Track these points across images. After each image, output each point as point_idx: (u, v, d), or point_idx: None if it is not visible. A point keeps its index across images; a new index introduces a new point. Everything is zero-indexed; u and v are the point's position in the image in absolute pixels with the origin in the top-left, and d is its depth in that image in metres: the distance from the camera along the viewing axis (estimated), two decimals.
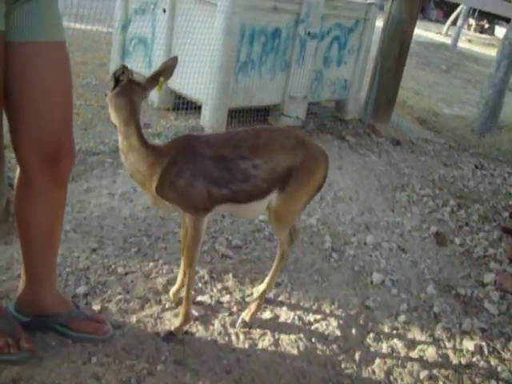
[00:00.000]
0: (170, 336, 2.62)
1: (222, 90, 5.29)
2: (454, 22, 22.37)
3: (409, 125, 7.77)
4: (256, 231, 3.79)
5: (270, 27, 5.49)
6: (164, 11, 5.64)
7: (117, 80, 2.33)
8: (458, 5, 23.11)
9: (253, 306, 2.89)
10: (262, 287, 2.98)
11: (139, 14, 6.11)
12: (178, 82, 5.52)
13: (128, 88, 2.34)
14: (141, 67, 6.14)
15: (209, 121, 5.36)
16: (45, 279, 2.45)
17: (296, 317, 3.01)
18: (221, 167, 2.47)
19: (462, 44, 22.97)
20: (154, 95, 5.89)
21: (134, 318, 2.72)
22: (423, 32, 21.99)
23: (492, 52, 20.59)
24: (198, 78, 5.34)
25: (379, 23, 6.79)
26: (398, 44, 6.69)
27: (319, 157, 2.71)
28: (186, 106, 5.68)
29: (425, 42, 19.28)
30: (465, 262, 4.13)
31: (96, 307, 2.73)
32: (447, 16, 27.50)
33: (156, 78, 2.43)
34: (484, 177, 6.23)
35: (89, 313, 2.59)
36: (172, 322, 2.74)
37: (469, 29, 31.57)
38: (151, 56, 5.98)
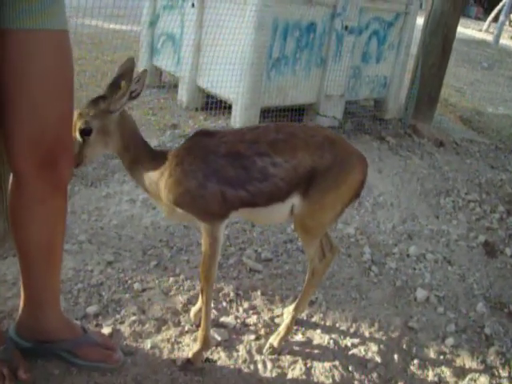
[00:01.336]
0: (188, 364, 2.33)
1: (254, 88, 4.98)
2: (495, 19, 21.69)
3: (452, 124, 7.34)
4: (288, 242, 3.47)
5: (305, 21, 5.16)
6: (193, 5, 5.36)
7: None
8: (499, 1, 22.45)
9: (282, 329, 2.57)
10: (292, 307, 2.66)
11: (167, 10, 5.87)
12: (208, 80, 5.25)
13: (98, 111, 2.12)
14: (170, 65, 5.90)
15: (239, 121, 5.07)
16: (46, 302, 2.18)
17: (331, 341, 2.69)
18: (236, 165, 2.17)
19: (504, 41, 22.21)
20: (182, 94, 5.63)
21: (148, 343, 2.43)
22: (463, 29, 21.27)
23: None
24: (228, 76, 5.04)
25: (420, 18, 6.40)
26: (440, 38, 6.27)
27: (353, 160, 2.33)
28: (215, 105, 5.38)
29: (465, 38, 18.63)
30: None
31: (107, 329, 2.45)
32: (487, 13, 26.76)
33: (116, 85, 2.13)
34: None
35: (98, 338, 2.31)
36: (191, 347, 2.44)
37: (510, 25, 30.62)
38: (180, 53, 5.71)
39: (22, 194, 1.97)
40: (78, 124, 2.09)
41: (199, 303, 2.60)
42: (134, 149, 2.24)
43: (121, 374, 2.23)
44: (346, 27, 5.46)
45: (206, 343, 2.37)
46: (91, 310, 2.57)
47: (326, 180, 2.23)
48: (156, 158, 2.25)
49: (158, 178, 2.20)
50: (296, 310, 2.60)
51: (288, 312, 2.69)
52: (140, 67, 6.34)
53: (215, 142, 2.21)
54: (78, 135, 2.11)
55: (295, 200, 2.27)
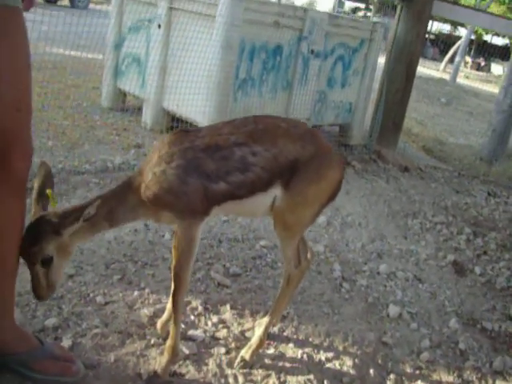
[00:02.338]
0: (154, 378, 2.17)
1: (220, 108, 4.92)
2: (451, 60, 22.44)
3: (415, 152, 7.40)
4: (257, 257, 3.36)
5: (272, 43, 5.15)
6: (159, 27, 5.31)
7: None
8: (454, 42, 23.27)
9: (254, 342, 2.44)
10: (265, 320, 2.53)
11: (133, 31, 5.80)
12: (173, 102, 5.17)
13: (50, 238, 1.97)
14: (134, 87, 5.79)
15: None
16: None
17: (305, 355, 2.57)
18: (215, 158, 2.09)
19: (460, 80, 22.89)
20: (146, 116, 5.53)
21: (111, 356, 2.27)
22: (421, 68, 21.79)
23: (490, 88, 20.53)
24: (194, 96, 4.96)
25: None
26: (404, 66, 6.35)
27: (333, 156, 2.29)
28: (180, 127, 5.27)
29: (423, 76, 19.10)
30: (488, 293, 3.70)
31: (67, 342, 2.29)
32: (443, 54, 27.65)
33: (42, 194, 2.03)
34: (498, 204, 5.83)
35: (56, 350, 2.14)
36: (158, 360, 2.28)
37: (465, 66, 31.66)
38: (145, 75, 5.64)
39: None
40: (35, 257, 1.95)
41: (166, 315, 2.46)
42: (106, 213, 2.10)
43: None
44: (312, 51, 5.48)
45: (175, 354, 2.22)
46: (50, 322, 2.40)
47: (307, 173, 2.18)
48: (128, 188, 2.15)
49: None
50: (269, 321, 2.48)
51: (260, 324, 2.57)
52: (104, 90, 6.24)
53: (191, 138, 2.13)
54: (40, 269, 1.97)
55: (277, 191, 2.19)
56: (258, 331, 2.49)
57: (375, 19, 6.17)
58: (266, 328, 2.48)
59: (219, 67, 4.76)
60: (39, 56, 4.49)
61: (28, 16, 1.81)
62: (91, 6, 18.46)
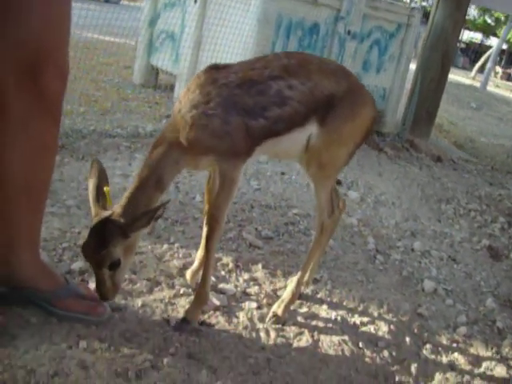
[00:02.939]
0: (183, 324, 2.07)
1: None
2: (481, 69, 22.20)
3: (447, 145, 7.24)
4: (289, 224, 3.25)
5: (309, 21, 5.05)
6: (195, 1, 5.24)
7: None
8: (484, 52, 22.98)
9: (286, 297, 2.34)
10: (297, 275, 2.42)
11: (169, 7, 5.75)
12: None
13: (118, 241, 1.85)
14: (168, 63, 5.74)
15: None
16: (20, 245, 1.91)
17: (339, 317, 2.46)
18: (252, 93, 1.99)
19: (491, 88, 22.59)
20: (179, 91, 5.46)
21: (139, 302, 2.18)
22: (451, 75, 21.50)
23: None
24: None
25: None
26: (440, 54, 6.21)
27: (366, 93, 2.26)
28: None
29: (454, 82, 18.86)
30: None
31: (93, 286, 2.19)
32: (473, 63, 27.42)
33: (99, 193, 1.91)
34: None
35: (82, 290, 2.06)
36: (187, 308, 2.18)
37: (495, 76, 31.26)
38: (179, 50, 5.57)
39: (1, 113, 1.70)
40: (103, 262, 1.84)
41: (197, 264, 2.37)
42: (156, 181, 2.00)
43: (107, 328, 1.98)
44: (349, 32, 5.37)
45: (205, 300, 2.12)
46: (77, 266, 2.32)
47: (343, 109, 2.13)
48: (165, 145, 2.03)
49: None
50: (302, 275, 2.38)
51: (292, 281, 2.46)
52: (136, 66, 6.21)
53: (224, 74, 2.03)
54: (106, 272, 1.86)
55: (313, 128, 2.12)
56: (290, 286, 2.40)
57: (413, 4, 6.01)
58: (299, 283, 2.37)
59: (255, 41, 4.67)
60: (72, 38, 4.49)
61: None
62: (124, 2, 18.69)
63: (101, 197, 1.91)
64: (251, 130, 1.99)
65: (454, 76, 22.77)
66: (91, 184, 1.92)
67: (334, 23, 5.24)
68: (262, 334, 2.20)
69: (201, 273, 2.18)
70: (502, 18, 32.32)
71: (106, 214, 1.86)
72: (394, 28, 5.96)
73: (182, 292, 2.32)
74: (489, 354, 2.55)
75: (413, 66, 6.59)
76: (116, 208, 1.90)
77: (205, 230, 2.22)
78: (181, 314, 2.16)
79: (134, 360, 1.85)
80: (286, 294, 2.36)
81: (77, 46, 6.20)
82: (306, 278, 2.48)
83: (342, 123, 2.13)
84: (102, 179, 1.94)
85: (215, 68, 2.09)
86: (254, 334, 2.18)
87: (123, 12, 5.14)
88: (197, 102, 1.98)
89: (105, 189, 1.92)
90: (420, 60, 6.31)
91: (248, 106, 1.98)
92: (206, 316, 2.20)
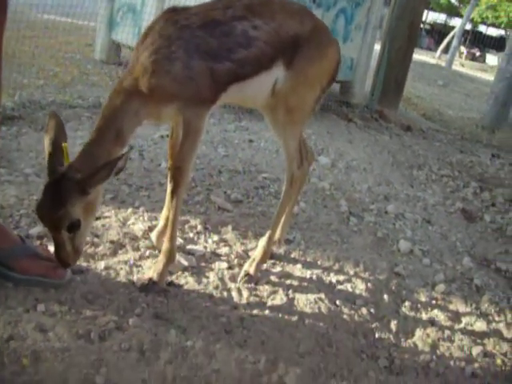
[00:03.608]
0: (150, 285, 1.95)
1: None
2: (446, 50, 22.37)
3: (416, 116, 7.19)
4: (259, 187, 3.14)
5: None
6: None
7: None
8: (448, 33, 23.14)
9: (258, 254, 2.25)
10: (268, 232, 2.31)
11: None
12: None
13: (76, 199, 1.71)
14: (130, 38, 5.54)
15: None
16: None
17: (314, 276, 2.36)
18: (215, 34, 1.88)
19: (456, 67, 22.71)
20: None
21: (102, 264, 2.05)
22: (416, 56, 21.55)
23: (486, 76, 20.39)
24: None
25: None
26: (406, 23, 6.13)
27: (330, 35, 2.18)
28: None
29: (419, 61, 18.91)
30: (499, 238, 3.49)
31: (52, 249, 2.05)
32: (438, 44, 27.58)
33: (59, 149, 1.76)
34: (503, 165, 5.61)
35: (39, 250, 1.91)
36: (153, 268, 2.05)
37: (460, 56, 31.46)
38: (141, 25, 5.37)
39: None
40: (60, 224, 1.69)
41: (162, 224, 2.24)
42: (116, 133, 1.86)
43: (67, 290, 1.85)
44: (314, 0, 5.24)
45: (171, 258, 2.00)
46: (35, 231, 2.18)
47: (309, 50, 2.05)
48: (124, 94, 1.88)
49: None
50: (273, 230, 2.27)
51: (263, 239, 2.34)
52: (97, 42, 6.00)
53: (185, 15, 1.90)
54: (65, 234, 1.72)
55: (280, 71, 2.03)
56: (261, 244, 2.29)
57: None
58: (270, 240, 2.27)
59: None
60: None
61: None
62: None
63: (58, 153, 1.76)
64: (216, 74, 1.87)
65: (420, 56, 22.89)
66: (47, 139, 1.77)
67: None
68: (234, 294, 2.09)
69: (167, 233, 2.05)
70: None
71: (63, 169, 1.72)
72: None
73: (147, 254, 2.19)
74: (468, 309, 2.49)
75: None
76: (73, 163, 1.76)
77: (169, 186, 2.09)
78: (147, 275, 2.03)
79: (97, 322, 1.73)
80: (257, 252, 2.25)
81: (34, 25, 6.01)
82: (277, 235, 2.38)
83: (309, 65, 2.05)
84: (60, 134, 1.79)
85: (174, 10, 1.95)
86: (225, 294, 2.07)
87: None
88: (157, 47, 1.85)
89: (63, 145, 1.77)
90: (387, 29, 6.23)
91: (212, 49, 1.86)
92: (173, 277, 2.08)
